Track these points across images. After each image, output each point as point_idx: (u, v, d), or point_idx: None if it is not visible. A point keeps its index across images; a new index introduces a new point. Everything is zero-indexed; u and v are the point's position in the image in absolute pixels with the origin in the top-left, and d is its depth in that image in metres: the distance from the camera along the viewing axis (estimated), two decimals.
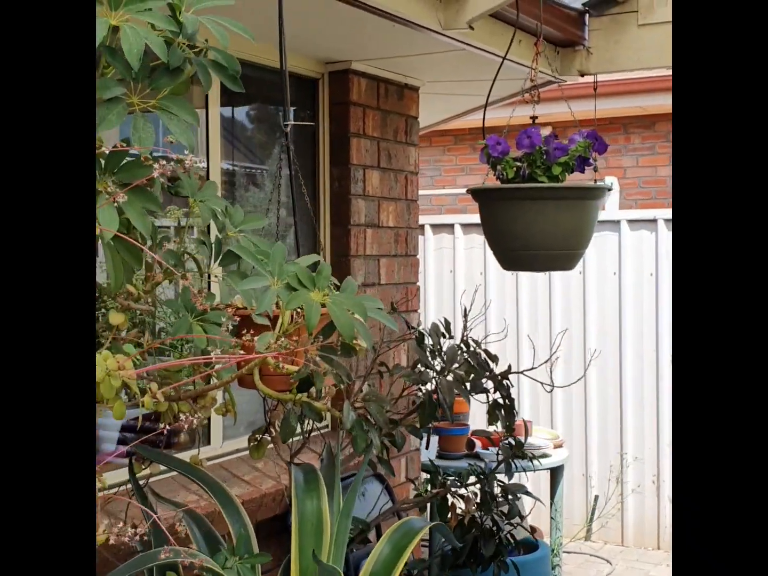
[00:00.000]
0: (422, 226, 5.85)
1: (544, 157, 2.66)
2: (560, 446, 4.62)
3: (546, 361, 2.57)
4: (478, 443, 4.39)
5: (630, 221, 5.37)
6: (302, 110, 3.49)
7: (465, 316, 2.70)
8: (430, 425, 4.39)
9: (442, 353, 2.37)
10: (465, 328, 2.57)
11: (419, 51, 3.25)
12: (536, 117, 7.35)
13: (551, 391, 2.64)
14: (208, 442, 3.12)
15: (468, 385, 2.64)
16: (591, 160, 2.65)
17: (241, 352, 1.58)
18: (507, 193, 2.64)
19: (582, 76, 3.54)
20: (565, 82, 3.61)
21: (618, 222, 5.36)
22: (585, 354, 5.48)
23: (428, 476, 3.52)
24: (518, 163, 2.67)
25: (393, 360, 3.72)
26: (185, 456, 2.47)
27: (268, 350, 1.49)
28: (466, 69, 3.54)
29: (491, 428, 3.18)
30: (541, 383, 2.60)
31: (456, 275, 5.77)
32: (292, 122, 2.16)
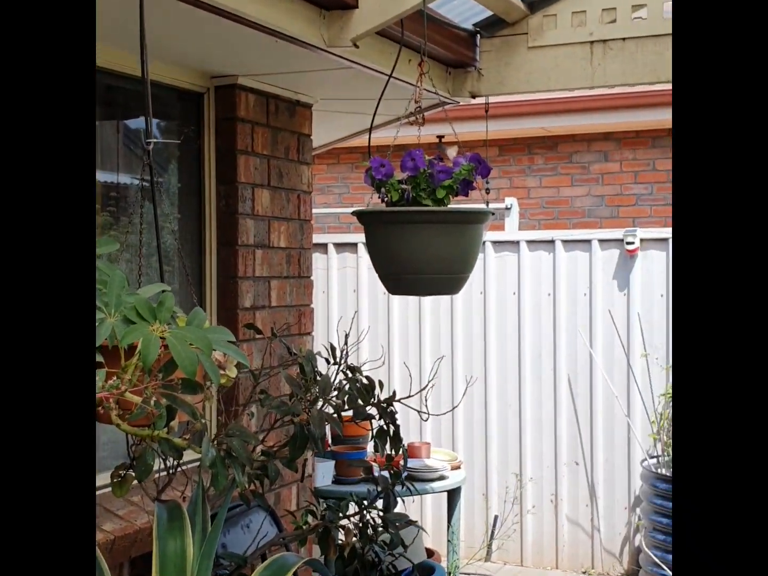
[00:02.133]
0: (325, 245, 5.77)
1: (429, 180, 2.61)
2: (458, 468, 4.57)
3: (423, 389, 2.50)
4: (376, 467, 4.31)
5: (529, 242, 5.39)
6: (186, 125, 3.38)
7: (346, 340, 2.60)
8: (329, 449, 4.32)
9: (316, 382, 2.28)
10: (340, 355, 2.48)
11: (307, 68, 3.19)
12: (443, 136, 7.38)
13: (426, 419, 2.57)
14: None
15: (351, 412, 2.56)
16: (474, 184, 2.60)
17: None
18: (390, 217, 2.60)
19: (473, 97, 3.53)
20: (458, 103, 3.59)
21: (517, 243, 5.39)
22: (486, 375, 5.47)
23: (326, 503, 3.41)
24: (403, 186, 2.62)
25: (283, 387, 3.61)
26: None
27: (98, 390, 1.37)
28: (358, 87, 3.50)
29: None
30: (417, 411, 2.52)
31: (360, 295, 5.70)
32: (155, 140, 2.04)
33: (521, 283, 5.39)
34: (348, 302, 5.73)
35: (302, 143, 3.80)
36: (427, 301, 5.56)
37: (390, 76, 2.73)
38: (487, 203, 2.84)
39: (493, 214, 2.70)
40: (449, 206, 2.61)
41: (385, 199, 2.63)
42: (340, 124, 4.38)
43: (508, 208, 6.01)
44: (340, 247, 5.74)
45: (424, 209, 2.56)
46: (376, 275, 2.70)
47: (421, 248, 2.56)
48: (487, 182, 2.82)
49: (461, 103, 3.59)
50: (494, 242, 5.43)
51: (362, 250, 5.62)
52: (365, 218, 2.70)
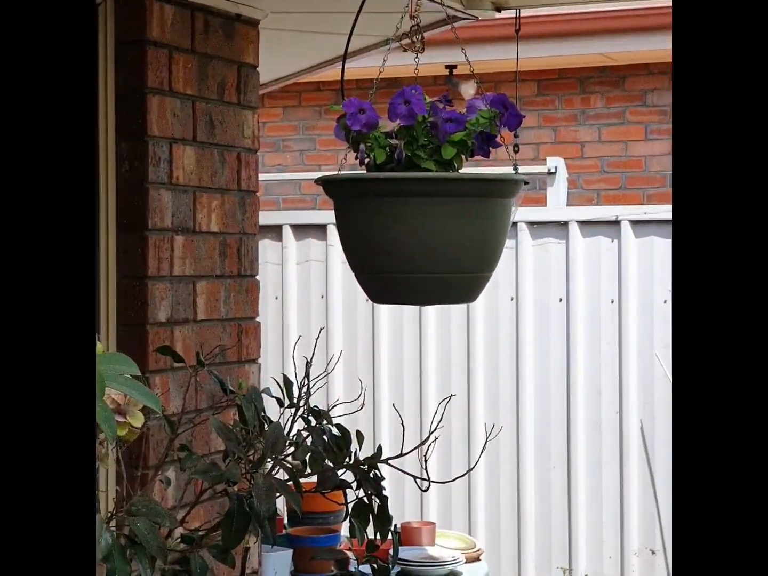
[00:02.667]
0: (279, 228, 5.79)
1: (431, 133, 2.61)
2: (477, 559, 4.60)
3: (424, 442, 2.52)
4: (353, 558, 4.32)
5: (583, 223, 5.42)
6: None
7: (308, 370, 2.62)
8: (284, 532, 4.30)
9: (263, 434, 2.29)
10: (299, 394, 2.50)
11: None
12: (453, 66, 7.50)
13: (427, 489, 2.61)
14: None
15: (315, 478, 2.57)
16: (498, 139, 2.62)
17: None
18: (373, 187, 2.62)
19: (498, 10, 3.53)
20: (476, 18, 3.59)
21: (566, 224, 5.42)
22: (519, 422, 5.49)
23: None
24: (392, 141, 2.64)
25: (214, 441, 3.61)
26: None
27: None
28: None
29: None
30: (415, 477, 2.54)
31: (330, 302, 5.72)
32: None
33: (571, 285, 5.42)
34: (313, 313, 5.76)
35: (245, 77, 3.78)
36: (431, 312, 5.57)
37: None
38: (517, 166, 2.83)
39: (527, 183, 2.68)
40: (461, 172, 2.62)
41: (366, 160, 2.64)
42: (302, 50, 4.38)
43: (551, 173, 6.05)
44: (302, 230, 5.76)
45: (424, 175, 2.56)
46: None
47: (421, 234, 2.56)
48: (517, 135, 2.80)
49: (480, 19, 3.58)
50: (531, 224, 5.46)
51: (334, 234, 5.60)
52: (336, 189, 2.71)
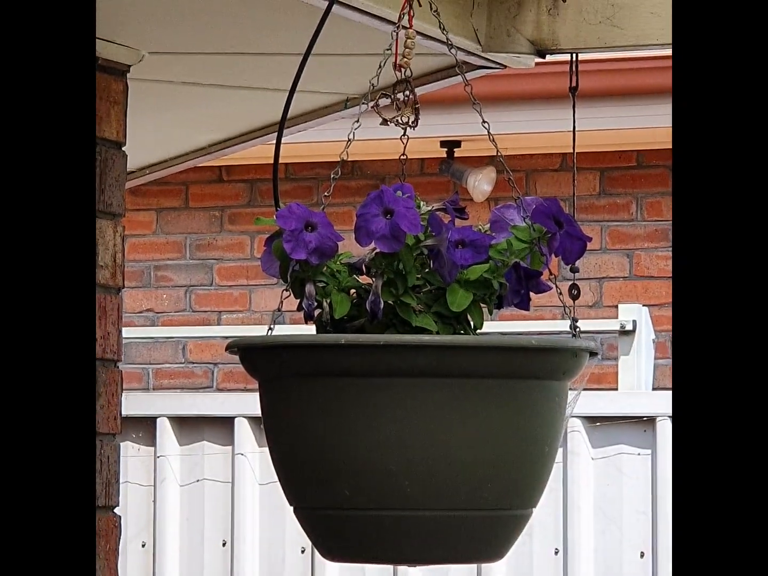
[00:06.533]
0: (151, 421, 5.01)
1: (430, 266, 2.14)
2: None
3: None
4: None
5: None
6: None
7: None
8: None
9: None
10: None
11: None
12: (456, 143, 6.45)
13: None
14: None
15: None
16: (545, 279, 2.10)
17: None
18: (330, 360, 2.09)
19: (542, 54, 3.02)
20: (503, 67, 3.13)
21: (651, 422, 4.43)
22: None
23: None
24: (360, 281, 2.15)
25: None
26: None
27: None
28: (248, 22, 3.03)
29: None
30: None
31: (239, 552, 4.86)
32: None
33: (662, 527, 4.39)
34: (207, 570, 4.82)
35: (102, 163, 3.11)
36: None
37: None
38: (577, 324, 2.18)
39: (595, 354, 2.15)
40: (481, 333, 2.13)
41: (317, 312, 2.14)
42: (198, 115, 3.76)
43: (626, 331, 4.92)
44: (190, 425, 4.88)
45: (419, 341, 2.06)
46: (288, 505, 2.15)
47: (411, 442, 2.08)
48: (575, 270, 2.27)
49: (511, 67, 3.17)
50: (590, 420, 4.50)
51: (252, 435, 4.61)
52: (265, 361, 2.16)
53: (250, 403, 4.53)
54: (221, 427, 4.77)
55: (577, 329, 2.19)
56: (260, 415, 2.86)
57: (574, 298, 2.30)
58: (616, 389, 4.96)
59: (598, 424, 4.45)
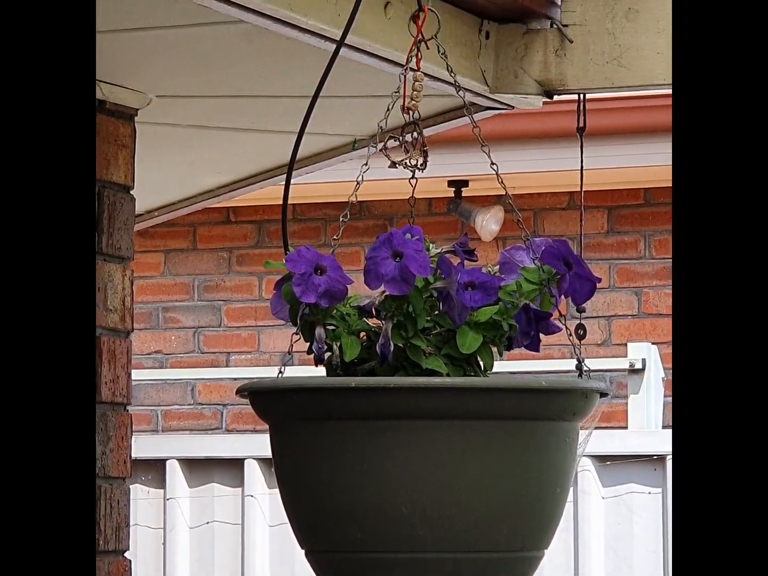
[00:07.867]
0: (160, 464, 4.90)
1: (440, 309, 2.15)
2: None
3: None
4: None
5: None
6: None
7: None
8: None
9: None
10: None
11: (129, 21, 2.70)
12: (464, 183, 6.39)
13: None
14: None
15: None
16: (555, 320, 2.12)
17: None
18: (342, 403, 2.09)
19: (549, 94, 3.03)
20: (510, 107, 3.13)
21: (661, 461, 4.37)
22: None
23: None
24: (371, 323, 2.16)
25: None
26: None
27: None
28: (258, 68, 3.06)
29: None
30: None
31: None
32: None
33: (668, 561, 4.40)
34: None
35: (111, 207, 3.06)
36: None
37: (340, 42, 2.27)
38: (584, 364, 2.18)
39: (606, 394, 2.17)
40: (491, 375, 2.12)
41: (327, 355, 2.15)
42: (208, 159, 3.76)
43: (635, 370, 4.90)
44: (199, 468, 4.82)
45: (430, 383, 2.06)
46: (299, 548, 2.11)
47: (421, 484, 2.07)
48: (581, 309, 2.29)
49: (518, 108, 3.15)
50: (600, 459, 4.47)
51: (261, 477, 4.58)
52: (276, 404, 2.16)
53: (260, 444, 4.51)
54: (231, 468, 4.75)
55: (586, 369, 2.20)
56: (270, 457, 2.87)
57: (581, 338, 2.29)
58: (626, 428, 4.92)
59: (608, 463, 4.43)
